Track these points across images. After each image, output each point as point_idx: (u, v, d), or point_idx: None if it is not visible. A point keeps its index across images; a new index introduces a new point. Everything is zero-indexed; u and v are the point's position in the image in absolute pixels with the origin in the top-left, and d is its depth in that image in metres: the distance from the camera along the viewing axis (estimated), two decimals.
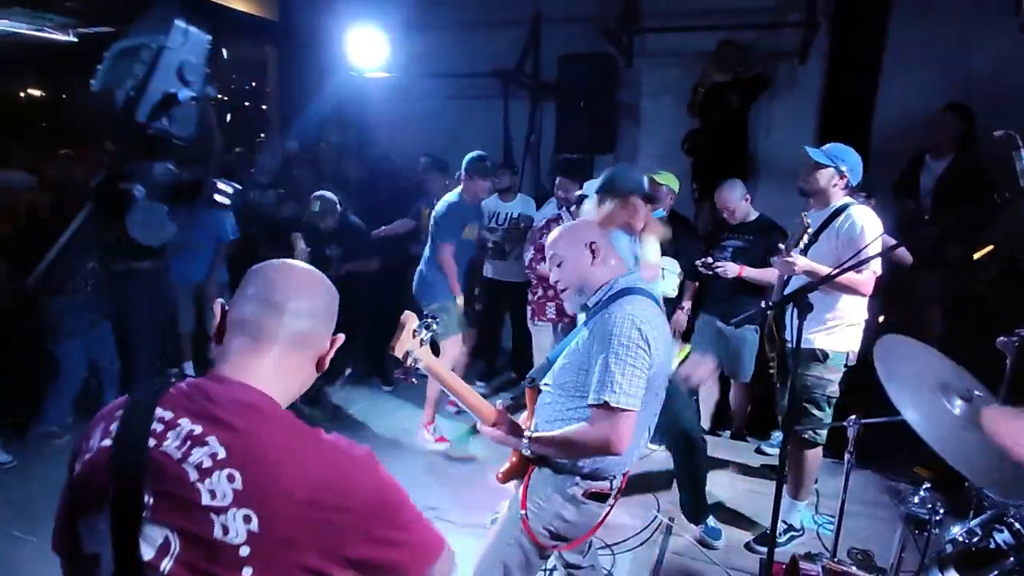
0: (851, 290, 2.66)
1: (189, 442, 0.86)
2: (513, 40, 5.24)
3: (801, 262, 2.61)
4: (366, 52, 4.86)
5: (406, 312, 1.70)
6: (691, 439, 2.87)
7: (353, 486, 0.90)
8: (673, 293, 3.67)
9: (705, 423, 4.15)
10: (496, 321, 4.84)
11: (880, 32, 4.33)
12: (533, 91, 5.36)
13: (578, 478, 1.74)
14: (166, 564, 0.82)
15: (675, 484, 3.07)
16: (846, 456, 2.23)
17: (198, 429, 0.87)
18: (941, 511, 1.53)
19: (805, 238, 2.62)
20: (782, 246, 2.70)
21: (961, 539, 1.47)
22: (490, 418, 1.81)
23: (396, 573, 0.94)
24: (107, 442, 0.89)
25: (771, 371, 2.98)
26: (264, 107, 7.59)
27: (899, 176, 4.05)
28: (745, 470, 3.61)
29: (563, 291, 1.84)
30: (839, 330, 2.76)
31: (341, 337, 1.07)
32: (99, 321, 3.80)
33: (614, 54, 5.04)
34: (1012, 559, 1.38)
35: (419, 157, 5.01)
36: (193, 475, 0.84)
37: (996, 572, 1.39)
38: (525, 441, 1.73)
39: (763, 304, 2.33)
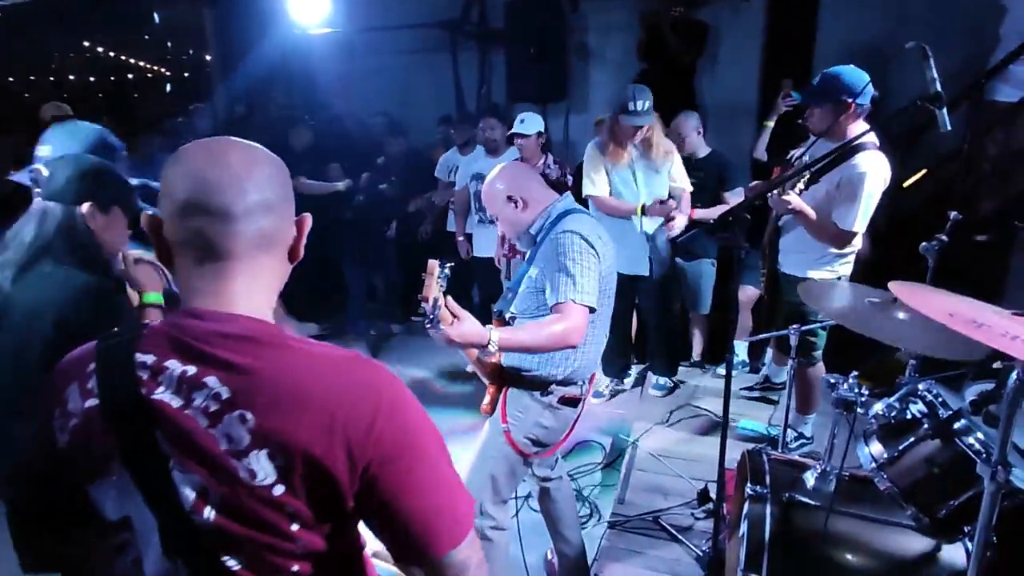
0: (827, 243, 2.61)
1: (185, 386, 0.77)
2: None
3: (795, 201, 2.53)
4: (307, 7, 4.74)
5: (431, 260, 1.70)
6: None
7: (384, 395, 0.80)
8: None
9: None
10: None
11: None
12: (481, 41, 5.31)
13: (552, 386, 1.86)
14: (208, 512, 0.76)
15: (631, 408, 3.25)
16: (789, 362, 2.41)
17: (191, 370, 0.77)
18: (866, 393, 1.70)
19: (803, 179, 2.49)
20: (786, 187, 2.54)
21: (883, 414, 1.64)
22: (473, 355, 1.93)
23: (409, 538, 0.80)
24: (91, 401, 0.79)
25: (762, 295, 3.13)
26: (206, 71, 7.31)
27: None
28: (708, 392, 3.82)
29: (511, 238, 1.99)
30: (834, 262, 2.75)
31: (308, 217, 0.90)
32: None
33: None
34: (926, 425, 1.55)
35: (370, 117, 4.98)
36: (203, 422, 0.76)
37: (913, 438, 1.57)
38: (493, 344, 1.70)
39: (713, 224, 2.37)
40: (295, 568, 0.80)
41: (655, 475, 2.96)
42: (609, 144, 3.30)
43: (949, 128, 1.89)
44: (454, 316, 1.61)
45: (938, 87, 1.85)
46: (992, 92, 3.45)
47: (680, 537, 2.50)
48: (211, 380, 0.76)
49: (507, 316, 1.96)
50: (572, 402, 1.90)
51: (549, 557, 2.43)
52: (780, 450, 2.49)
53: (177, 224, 0.79)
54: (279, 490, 0.75)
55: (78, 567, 0.92)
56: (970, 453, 1.43)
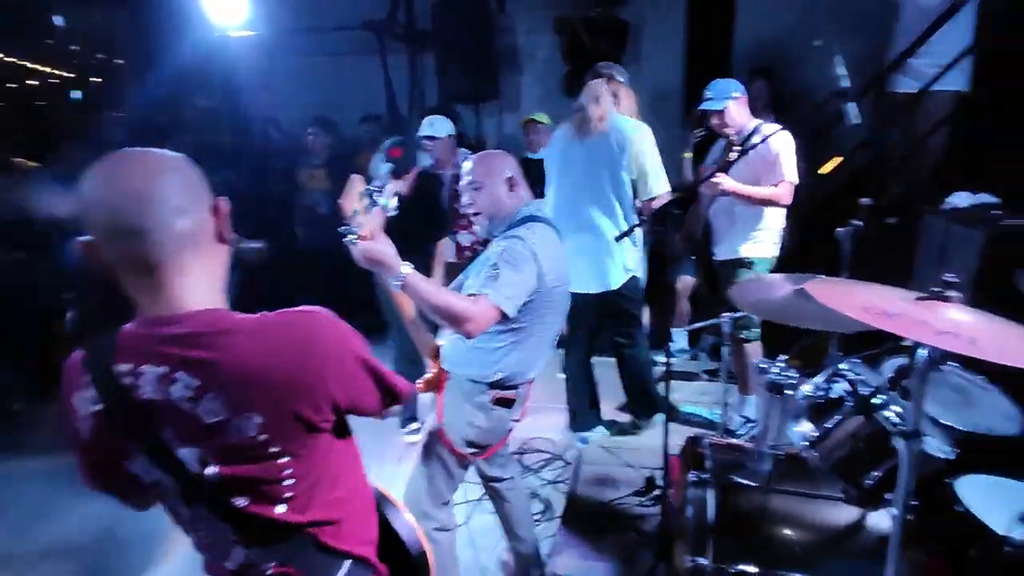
0: (772, 203, 2.88)
1: (162, 384, 0.91)
2: None
3: (727, 183, 2.77)
4: (226, 9, 4.56)
5: (354, 175, 1.63)
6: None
7: (317, 342, 0.97)
8: None
9: None
10: None
11: None
12: (410, 43, 5.25)
13: (486, 386, 1.86)
14: (212, 469, 0.94)
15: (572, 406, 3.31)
16: (724, 349, 2.51)
17: (163, 370, 0.91)
18: (795, 376, 1.79)
19: (732, 156, 2.73)
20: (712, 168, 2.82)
21: (810, 394, 1.74)
22: (410, 314, 1.79)
23: (370, 410, 1.08)
24: (96, 407, 0.94)
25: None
26: (119, 76, 6.92)
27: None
28: None
29: (476, 215, 1.93)
30: (762, 238, 3.00)
31: (224, 201, 0.99)
32: None
33: None
34: (849, 403, 1.66)
35: (305, 122, 4.84)
36: (186, 406, 0.91)
37: (838, 415, 1.67)
38: (402, 274, 1.61)
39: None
40: (288, 494, 0.98)
41: (605, 467, 3.02)
42: None
43: (857, 121, 2.02)
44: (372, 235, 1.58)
45: (845, 83, 1.97)
46: (894, 84, 3.68)
47: (631, 526, 2.56)
48: (180, 375, 0.91)
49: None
50: (506, 403, 1.91)
51: (504, 558, 2.44)
52: (721, 434, 2.58)
53: (106, 248, 0.91)
54: (262, 437, 0.93)
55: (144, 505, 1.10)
56: (888, 426, 1.53)
